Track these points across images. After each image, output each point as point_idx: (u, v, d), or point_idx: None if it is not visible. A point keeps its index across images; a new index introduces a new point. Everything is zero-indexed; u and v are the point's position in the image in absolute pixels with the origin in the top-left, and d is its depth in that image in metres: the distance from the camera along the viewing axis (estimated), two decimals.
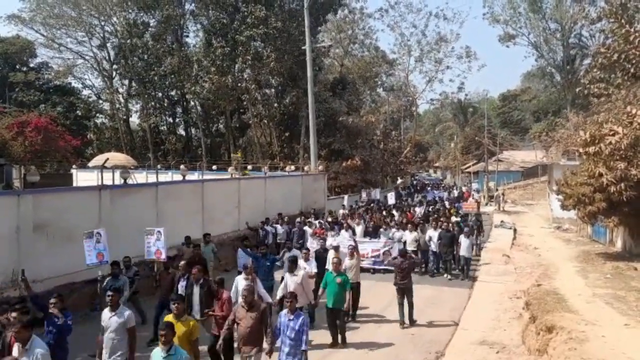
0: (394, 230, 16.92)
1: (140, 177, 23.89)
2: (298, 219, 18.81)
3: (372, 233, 17.40)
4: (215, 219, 16.64)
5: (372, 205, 25.82)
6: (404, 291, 10.62)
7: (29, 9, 43.09)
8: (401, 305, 10.65)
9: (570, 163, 28.28)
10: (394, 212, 22.98)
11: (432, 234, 15.90)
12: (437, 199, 32.97)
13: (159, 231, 11.11)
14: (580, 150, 10.96)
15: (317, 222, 18.61)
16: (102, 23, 44.06)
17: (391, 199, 27.62)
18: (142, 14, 41.64)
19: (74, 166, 31.40)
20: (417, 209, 25.27)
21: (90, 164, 29.03)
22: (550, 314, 8.79)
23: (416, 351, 9.20)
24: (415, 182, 58.96)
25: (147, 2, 39.59)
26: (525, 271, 15.56)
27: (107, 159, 20.52)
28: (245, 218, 18.07)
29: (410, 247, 15.45)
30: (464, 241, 15.26)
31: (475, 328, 10.15)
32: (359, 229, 17.03)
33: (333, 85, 39.31)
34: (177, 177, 19.86)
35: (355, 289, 10.87)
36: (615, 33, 11.33)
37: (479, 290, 13.55)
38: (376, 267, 15.68)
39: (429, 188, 50.49)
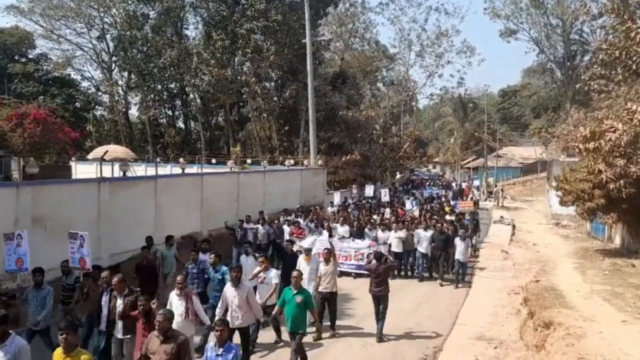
0: (379, 231, 15.60)
1: (139, 170, 23.89)
2: (281, 218, 17.56)
3: (357, 234, 15.87)
4: (214, 213, 16.63)
5: (363, 202, 24.57)
6: (379, 299, 9.47)
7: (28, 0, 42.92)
8: (377, 314, 9.55)
9: (570, 159, 28.24)
10: (387, 210, 21.84)
11: (422, 234, 14.58)
12: (434, 195, 31.92)
13: (82, 236, 9.20)
14: (580, 146, 10.94)
15: (304, 220, 17.21)
16: (102, 14, 43.85)
17: (385, 195, 25.93)
18: (141, 6, 41.39)
19: (73, 158, 31.35)
20: (408, 204, 24.26)
21: (89, 157, 28.97)
22: (548, 310, 8.80)
23: (414, 346, 9.22)
24: (415, 177, 58.19)
25: None
26: (524, 267, 15.58)
27: (106, 151, 20.47)
28: (245, 212, 18.04)
29: (395, 249, 14.69)
30: (459, 244, 14.07)
31: (474, 323, 10.17)
32: (342, 230, 15.78)
33: (333, 79, 39.19)
34: (176, 170, 19.87)
35: (332, 299, 9.81)
36: (616, 29, 11.28)
37: (477, 286, 13.57)
38: (360, 271, 14.04)
39: (427, 184, 49.07)
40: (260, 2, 32.75)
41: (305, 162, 27.96)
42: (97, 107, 49.85)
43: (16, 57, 44.93)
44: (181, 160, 21.72)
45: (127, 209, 12.82)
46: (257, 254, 11.11)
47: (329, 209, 22.10)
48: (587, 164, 15.02)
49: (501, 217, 27.89)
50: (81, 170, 27.17)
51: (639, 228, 16.07)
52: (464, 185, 42.22)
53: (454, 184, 44.21)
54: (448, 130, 76.29)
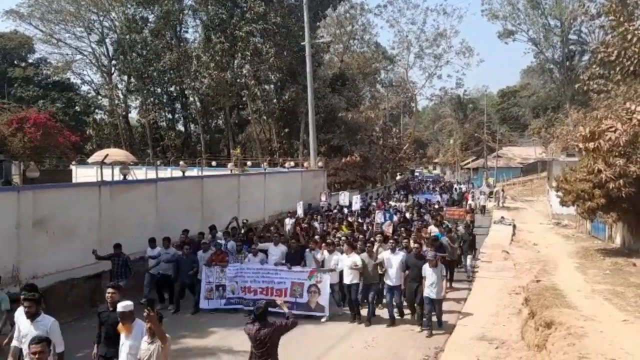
0: (324, 252, 11.26)
1: (139, 173, 23.89)
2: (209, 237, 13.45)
3: (295, 256, 11.60)
4: (215, 215, 16.63)
5: (334, 212, 20.04)
6: None
7: (27, 4, 42.99)
8: None
9: (570, 159, 28.29)
10: (360, 221, 17.49)
11: (390, 257, 10.46)
12: (421, 202, 27.11)
13: None
14: (580, 145, 10.97)
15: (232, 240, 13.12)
16: (101, 18, 43.99)
17: (356, 203, 20.60)
18: (140, 9, 41.50)
19: (73, 162, 31.40)
20: (379, 216, 18.06)
21: (90, 160, 29.00)
22: (549, 309, 8.81)
23: (415, 347, 9.23)
24: (414, 179, 56.84)
25: None
26: (525, 267, 15.58)
27: (107, 155, 20.54)
28: (245, 214, 18.08)
29: (347, 280, 10.50)
30: (428, 274, 9.80)
31: (475, 324, 10.18)
32: (276, 252, 11.74)
33: (332, 81, 39.26)
34: (177, 173, 19.87)
35: None
36: (614, 29, 11.33)
37: (478, 286, 13.57)
38: (301, 312, 10.15)
39: (427, 187, 44.44)
40: (259, 5, 32.83)
41: (305, 164, 28.00)
42: (97, 110, 49.99)
43: (16, 62, 45.11)
44: (181, 163, 21.72)
45: (128, 213, 12.83)
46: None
47: (287, 221, 17.52)
48: (587, 163, 15.04)
49: (502, 217, 27.90)
50: (82, 174, 27.19)
51: (639, 227, 16.07)
52: (463, 188, 39.44)
53: (456, 187, 40.81)
54: (448, 131, 76.43)
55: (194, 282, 11.30)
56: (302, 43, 28.96)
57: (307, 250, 11.68)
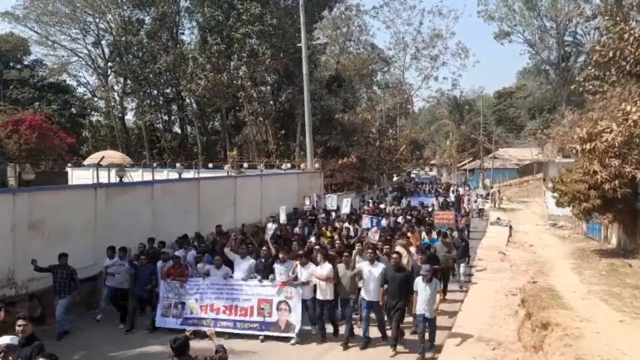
0: (295, 263, 9.75)
1: (136, 175, 23.83)
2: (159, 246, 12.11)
3: (264, 269, 10.26)
4: (211, 217, 16.60)
5: (315, 216, 18.57)
6: None
7: (23, 5, 42.89)
8: None
9: (565, 160, 28.39)
10: (346, 226, 15.84)
11: (369, 270, 9.17)
12: (419, 204, 25.50)
13: None
14: (578, 147, 11.01)
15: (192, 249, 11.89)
16: (97, 20, 43.88)
17: (345, 207, 19.24)
18: (136, 11, 41.42)
19: (69, 164, 31.27)
20: (365, 221, 16.53)
21: (86, 162, 28.93)
22: (546, 310, 8.83)
23: (413, 348, 9.21)
24: (409, 181, 55.30)
25: None
26: (521, 268, 15.61)
27: (103, 157, 20.49)
28: (242, 216, 18.04)
29: (321, 296, 9.38)
30: (421, 288, 8.70)
31: (471, 325, 10.17)
32: (243, 266, 10.14)
33: (329, 82, 39.29)
34: (173, 175, 19.81)
35: None
36: (610, 30, 11.37)
37: (474, 287, 13.57)
38: (270, 333, 9.46)
39: (424, 190, 42.55)
40: (255, 7, 32.81)
41: (302, 165, 27.97)
42: (93, 112, 49.79)
43: (11, 64, 44.88)
44: (178, 165, 21.66)
45: (124, 215, 12.79)
46: None
47: (270, 226, 16.07)
48: (583, 164, 15.09)
49: (498, 218, 27.97)
50: (78, 176, 27.03)
51: (634, 228, 16.14)
52: (461, 191, 37.67)
53: (453, 190, 38.61)
54: (444, 133, 76.60)
55: (152, 296, 10.19)
56: (298, 45, 28.96)
57: (277, 261, 10.04)
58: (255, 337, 9.47)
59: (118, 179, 14.28)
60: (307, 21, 29.21)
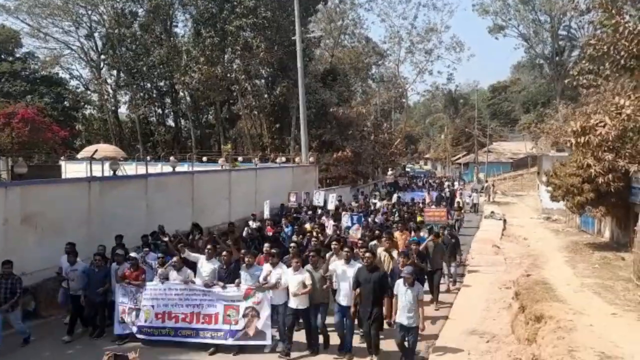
0: (266, 267, 8.77)
1: (129, 168, 23.72)
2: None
3: (229, 273, 9.01)
4: (206, 211, 16.57)
5: (301, 215, 17.46)
6: None
7: None
8: None
9: (559, 154, 28.51)
10: (330, 223, 14.77)
11: (346, 270, 8.23)
12: (410, 200, 24.47)
13: None
14: (572, 140, 11.02)
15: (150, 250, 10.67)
16: (89, 12, 43.50)
17: (331, 202, 17.84)
18: (130, 3, 41.13)
19: (62, 158, 31.10)
20: (345, 219, 14.67)
21: (79, 156, 28.77)
22: (539, 303, 8.87)
23: None
24: (402, 175, 54.66)
25: None
26: (515, 261, 15.69)
27: (96, 150, 20.39)
28: (236, 210, 18.00)
29: (293, 304, 8.22)
30: (402, 293, 7.65)
31: (466, 318, 10.22)
32: (207, 268, 8.98)
33: (323, 76, 39.15)
34: (167, 168, 19.77)
35: None
36: (604, 25, 11.36)
37: (468, 281, 13.63)
38: (233, 341, 8.47)
39: (418, 184, 41.35)
40: None
41: (297, 159, 27.93)
42: (86, 105, 49.51)
43: (3, 56, 44.46)
44: (172, 158, 21.56)
45: (118, 209, 12.73)
46: None
47: (251, 224, 15.10)
48: (577, 158, 15.17)
49: (492, 212, 28.07)
50: (71, 169, 26.89)
51: (627, 221, 16.24)
52: (456, 185, 37.03)
53: (447, 184, 37.74)
54: (439, 126, 76.70)
55: (106, 302, 9.27)
56: (292, 38, 28.82)
57: (244, 265, 8.92)
58: (228, 350, 8.44)
59: (112, 173, 14.20)
60: (301, 14, 29.04)
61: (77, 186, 12.39)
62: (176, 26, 44.04)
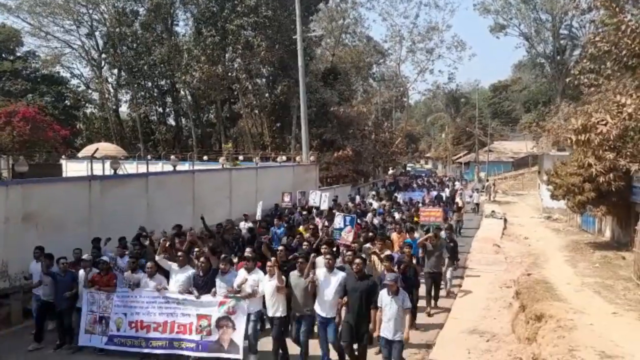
0: (241, 272, 8.10)
1: (130, 167, 23.72)
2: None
3: (205, 280, 8.17)
4: (206, 210, 16.49)
5: (294, 215, 16.71)
6: None
7: None
8: None
9: (560, 153, 28.50)
10: (321, 223, 13.97)
11: (329, 277, 7.44)
12: (408, 200, 23.84)
13: None
14: (572, 137, 11.01)
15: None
16: (90, 11, 43.47)
17: (324, 202, 17.40)
18: (131, 2, 41.12)
19: (63, 156, 31.09)
20: (338, 219, 12.33)
21: (80, 155, 28.80)
22: (540, 302, 8.87)
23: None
24: (403, 175, 53.08)
25: None
26: (516, 261, 15.69)
27: (97, 149, 20.40)
28: (237, 209, 17.97)
29: (270, 309, 7.69)
30: (386, 304, 6.90)
31: (466, 317, 10.22)
32: (181, 276, 8.28)
33: (324, 75, 39.16)
34: (168, 167, 19.74)
35: None
36: (606, 24, 11.35)
37: (469, 280, 13.63)
38: (205, 353, 7.83)
39: (419, 183, 39.12)
40: None
41: (298, 158, 27.92)
42: (87, 104, 49.47)
43: (4, 55, 44.43)
44: (172, 157, 21.55)
45: (119, 207, 12.74)
46: None
47: (242, 225, 14.47)
48: (577, 157, 15.14)
49: (493, 211, 28.05)
50: (72, 168, 26.87)
51: (628, 220, 16.24)
52: (457, 185, 35.83)
53: (448, 185, 36.48)
54: (440, 126, 76.65)
55: (72, 309, 8.58)
56: (293, 37, 28.81)
57: (220, 271, 8.13)
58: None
59: (112, 171, 14.21)
60: (302, 13, 29.02)
61: (78, 185, 12.39)
62: (177, 25, 44.21)
